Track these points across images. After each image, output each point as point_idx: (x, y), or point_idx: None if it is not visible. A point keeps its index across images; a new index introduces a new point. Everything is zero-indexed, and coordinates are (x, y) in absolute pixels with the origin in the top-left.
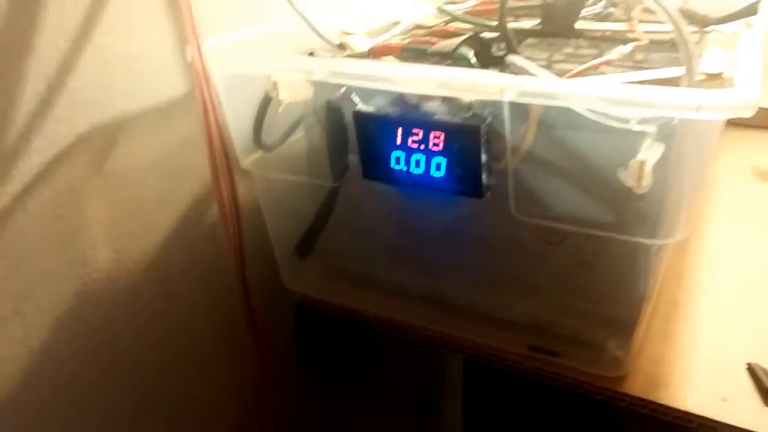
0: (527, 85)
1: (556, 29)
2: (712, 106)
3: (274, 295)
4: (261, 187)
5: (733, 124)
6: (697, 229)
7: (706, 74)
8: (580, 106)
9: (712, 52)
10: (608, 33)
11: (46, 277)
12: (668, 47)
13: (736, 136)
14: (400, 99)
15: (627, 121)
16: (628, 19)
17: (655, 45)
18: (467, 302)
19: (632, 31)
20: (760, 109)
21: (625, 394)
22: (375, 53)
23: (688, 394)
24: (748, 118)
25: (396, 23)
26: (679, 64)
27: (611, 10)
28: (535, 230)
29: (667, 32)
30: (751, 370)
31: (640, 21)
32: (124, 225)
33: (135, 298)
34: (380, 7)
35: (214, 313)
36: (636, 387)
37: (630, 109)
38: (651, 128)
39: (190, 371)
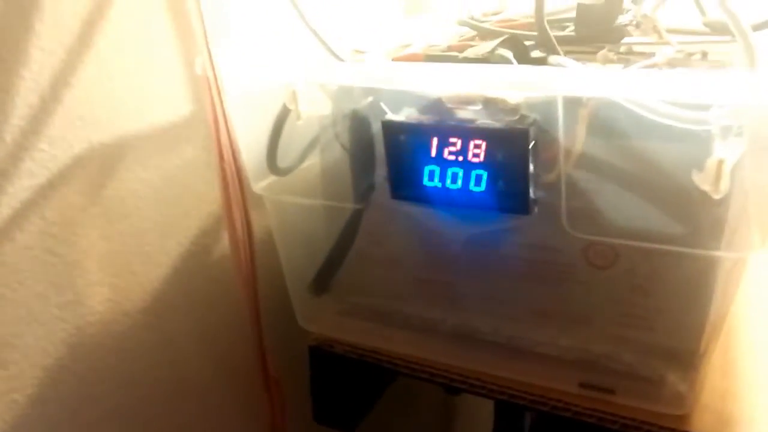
0: (587, 77)
1: (590, 34)
2: None
3: (288, 337)
4: (274, 215)
5: None
6: None
7: None
8: (647, 98)
9: None
10: (641, 44)
11: (35, 320)
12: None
13: None
14: (434, 105)
15: (704, 107)
16: (656, 32)
17: (696, 56)
18: (506, 337)
19: (666, 43)
20: None
21: None
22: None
23: None
24: None
25: (407, 46)
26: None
27: (639, 21)
28: (582, 253)
29: (702, 42)
30: None
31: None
32: (123, 260)
33: (132, 344)
34: (393, 29)
35: (220, 360)
36: (706, 426)
37: (706, 98)
38: (730, 122)
39: (193, 428)
